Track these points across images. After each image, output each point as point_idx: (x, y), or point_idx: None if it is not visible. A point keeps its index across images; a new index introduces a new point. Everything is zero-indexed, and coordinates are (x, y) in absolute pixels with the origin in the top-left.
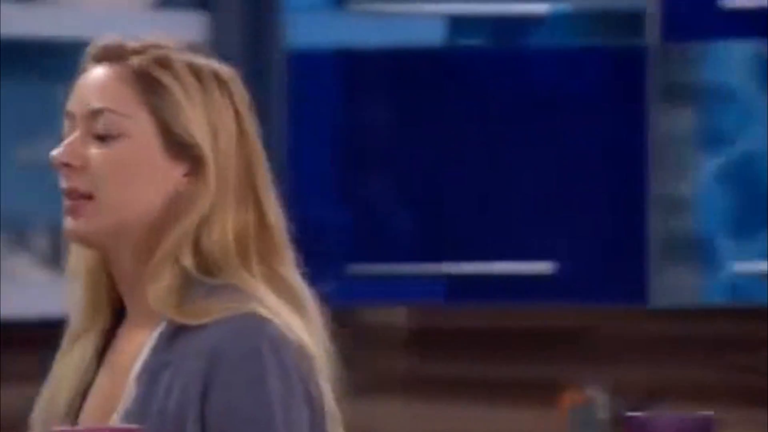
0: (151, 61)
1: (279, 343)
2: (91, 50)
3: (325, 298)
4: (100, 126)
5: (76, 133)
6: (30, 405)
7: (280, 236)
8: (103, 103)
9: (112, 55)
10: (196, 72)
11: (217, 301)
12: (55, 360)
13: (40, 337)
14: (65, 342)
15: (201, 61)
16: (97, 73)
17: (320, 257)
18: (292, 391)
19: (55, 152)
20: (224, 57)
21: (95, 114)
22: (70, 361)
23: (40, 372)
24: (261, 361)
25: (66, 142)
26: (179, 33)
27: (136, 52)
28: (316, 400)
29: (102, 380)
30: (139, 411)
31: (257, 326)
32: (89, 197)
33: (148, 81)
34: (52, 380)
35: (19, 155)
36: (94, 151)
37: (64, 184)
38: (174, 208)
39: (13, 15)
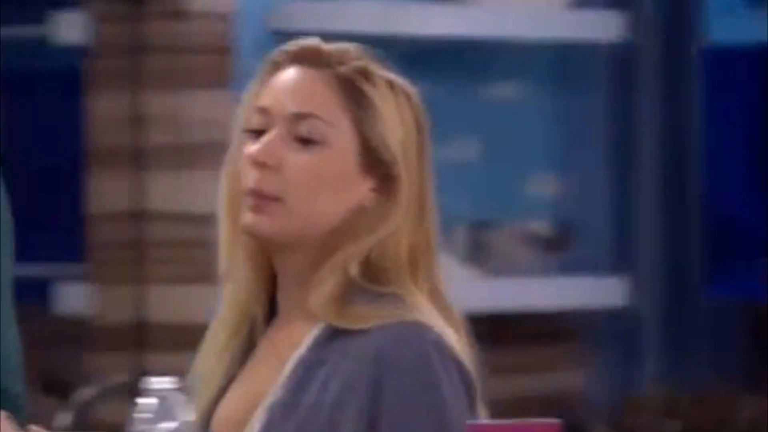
0: (355, 70)
1: (444, 351)
2: (288, 50)
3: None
4: (303, 130)
5: (274, 133)
6: None
7: (438, 254)
8: (311, 108)
9: (313, 58)
10: (391, 85)
11: (380, 308)
12: (205, 344)
13: None
14: (218, 329)
15: (392, 74)
16: (301, 75)
17: (735, 252)
18: (460, 398)
19: (253, 149)
20: (641, 53)
21: (300, 117)
22: (218, 348)
23: None
24: (432, 367)
25: (265, 140)
26: (597, 31)
27: (339, 60)
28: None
29: (248, 369)
30: (289, 402)
31: (422, 333)
32: (277, 199)
33: (353, 91)
34: (203, 366)
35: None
36: (293, 154)
37: (252, 183)
38: (355, 221)
39: (432, 15)
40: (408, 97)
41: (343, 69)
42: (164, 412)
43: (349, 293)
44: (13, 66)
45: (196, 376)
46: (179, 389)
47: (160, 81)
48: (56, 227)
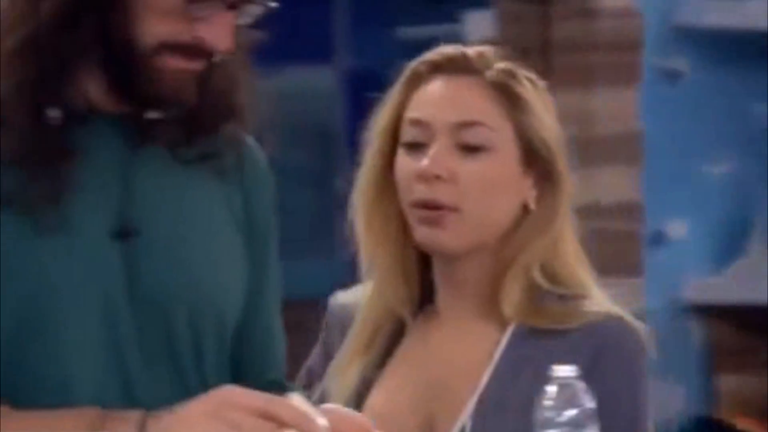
0: (503, 73)
1: (644, 351)
2: (432, 60)
3: None
4: (469, 138)
5: (440, 144)
6: None
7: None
8: (474, 116)
9: (459, 66)
10: (533, 84)
11: (579, 307)
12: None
13: None
14: (362, 327)
15: (526, 71)
16: (454, 83)
17: None
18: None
19: (425, 164)
20: None
21: (464, 126)
22: (361, 345)
23: None
24: (640, 363)
25: (433, 153)
26: None
27: (485, 64)
28: None
29: (404, 364)
30: (500, 398)
31: (630, 330)
32: (455, 210)
33: (508, 94)
34: (344, 360)
35: None
36: (464, 164)
37: (427, 195)
38: (523, 222)
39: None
40: (546, 93)
41: (491, 73)
42: (567, 400)
43: (536, 296)
44: None
45: (335, 369)
46: (579, 377)
47: (567, 77)
48: None
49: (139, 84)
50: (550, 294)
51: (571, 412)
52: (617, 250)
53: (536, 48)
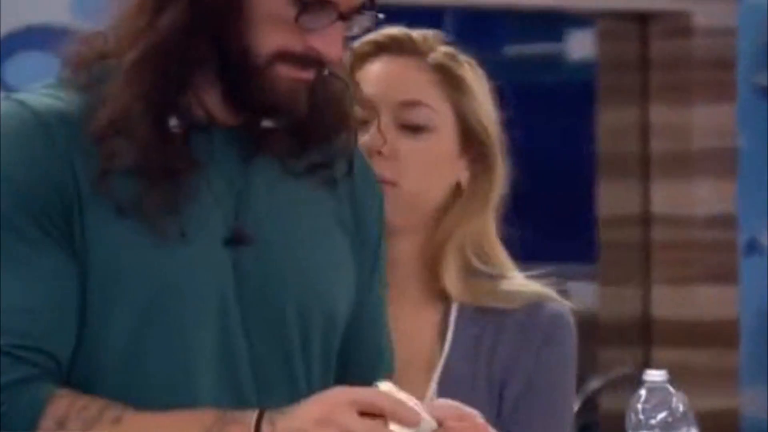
0: (445, 56)
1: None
2: (376, 40)
3: None
4: (412, 117)
5: (383, 122)
6: None
7: None
8: (417, 96)
9: (403, 47)
10: (473, 67)
11: (520, 287)
12: None
13: None
14: None
15: (465, 55)
16: (399, 64)
17: None
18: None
19: (367, 139)
20: None
21: (408, 105)
22: None
23: None
24: (574, 342)
25: (375, 130)
26: None
27: (429, 46)
28: None
29: None
30: (458, 378)
31: (566, 310)
32: (394, 185)
33: (450, 76)
34: None
35: None
36: (405, 141)
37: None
38: (455, 201)
39: None
40: (483, 75)
41: (435, 55)
42: (657, 403)
43: (472, 275)
44: (532, 79)
45: None
46: (670, 381)
47: (665, 94)
48: (570, 230)
49: (254, 93)
50: (482, 273)
51: (661, 415)
52: (714, 259)
53: (635, 65)
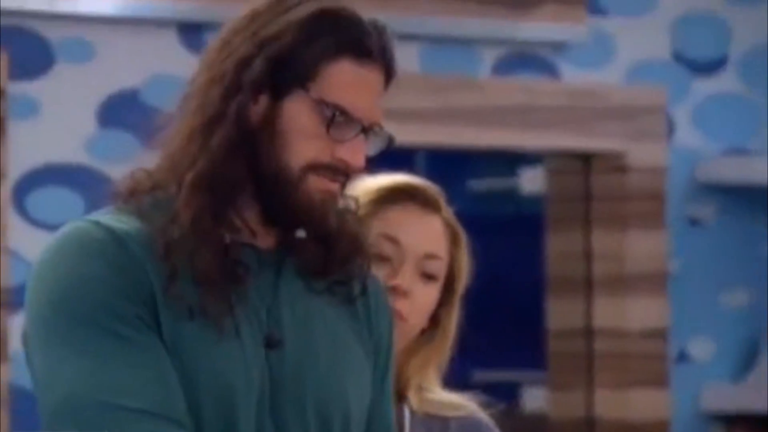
0: (449, 213)
1: None
2: (401, 188)
3: None
4: (431, 268)
5: (408, 266)
6: None
7: None
8: (438, 251)
9: (428, 200)
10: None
11: (452, 400)
12: None
13: None
14: None
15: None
16: (426, 218)
17: None
18: None
19: (398, 281)
20: None
21: (430, 258)
22: None
23: None
24: None
25: (403, 272)
26: None
27: (442, 204)
28: None
29: None
30: None
31: (491, 424)
32: (405, 320)
33: (453, 233)
34: None
35: None
36: (420, 287)
37: (394, 304)
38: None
39: None
40: None
41: (445, 214)
42: None
43: (425, 388)
44: (491, 210)
45: None
46: None
47: (604, 223)
48: (524, 341)
49: (288, 205)
50: (427, 387)
51: None
52: (648, 367)
53: (579, 197)
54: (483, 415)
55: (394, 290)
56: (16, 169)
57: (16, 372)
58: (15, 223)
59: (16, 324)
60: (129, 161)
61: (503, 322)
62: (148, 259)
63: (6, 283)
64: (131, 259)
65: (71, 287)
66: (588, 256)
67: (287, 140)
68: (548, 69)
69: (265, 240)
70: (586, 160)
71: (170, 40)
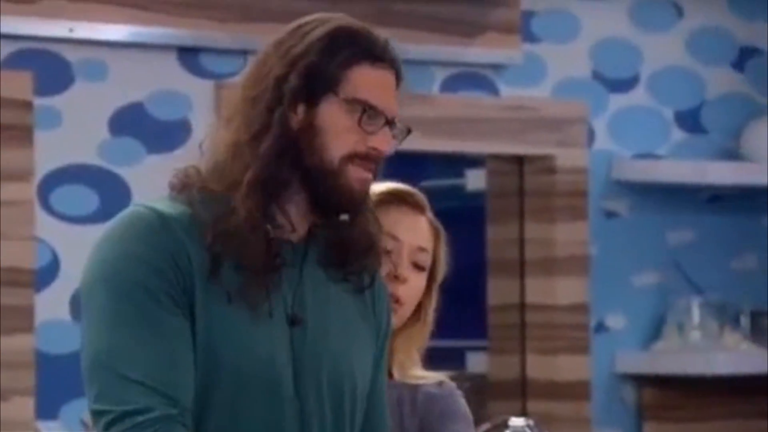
0: (431, 213)
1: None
2: (394, 192)
3: None
4: (421, 260)
5: (405, 259)
6: None
7: None
8: (428, 246)
9: (417, 203)
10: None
11: (424, 373)
12: None
13: None
14: None
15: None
16: (418, 217)
17: None
18: None
19: (401, 272)
20: None
21: (421, 250)
22: None
23: None
24: (463, 402)
25: (401, 262)
26: None
27: (426, 206)
28: None
29: None
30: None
31: (457, 389)
32: (401, 304)
33: (436, 230)
34: None
35: None
36: (413, 275)
37: (395, 291)
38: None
39: None
40: None
41: (429, 215)
42: None
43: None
44: (441, 204)
45: None
46: (530, 426)
47: (536, 215)
48: (469, 315)
49: (332, 193)
50: (410, 365)
51: None
52: (572, 336)
53: (514, 194)
54: (452, 384)
55: (396, 278)
56: (41, 170)
57: (42, 341)
58: (40, 216)
59: (41, 300)
60: (135, 163)
61: (451, 298)
62: (191, 244)
63: (33, 266)
64: (175, 242)
65: (115, 264)
66: (522, 242)
67: (326, 138)
68: (489, 87)
69: (298, 233)
70: (520, 162)
71: (171, 62)
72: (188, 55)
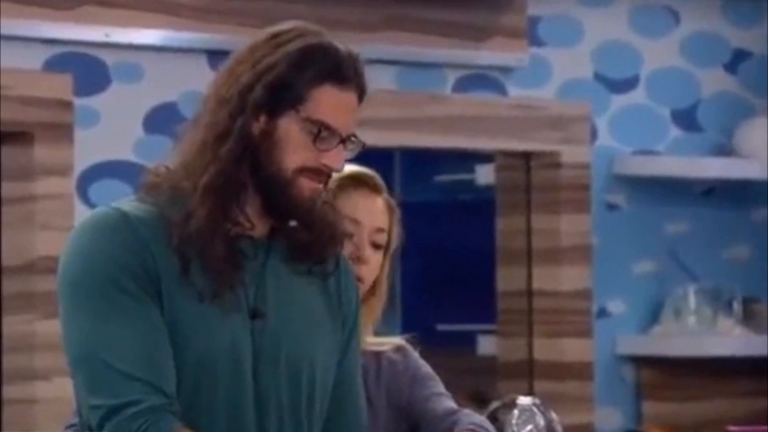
0: (387, 194)
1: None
2: (353, 176)
3: None
4: (379, 239)
5: (364, 239)
6: None
7: None
8: (383, 225)
9: (376, 186)
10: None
11: (382, 339)
12: None
13: None
14: None
15: None
16: (374, 200)
17: None
18: None
19: (362, 253)
20: None
21: (379, 231)
22: None
23: None
24: (418, 358)
25: (361, 243)
26: None
27: (382, 187)
28: None
29: None
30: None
31: (408, 346)
32: (362, 282)
33: (390, 208)
34: None
35: None
36: (372, 254)
37: (358, 271)
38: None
39: None
40: None
41: (385, 195)
42: (525, 420)
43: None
44: (454, 198)
45: None
46: (537, 404)
47: (542, 208)
48: (480, 300)
49: (284, 200)
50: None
51: (528, 428)
52: (576, 320)
53: (522, 188)
54: (408, 348)
55: (359, 260)
56: (80, 166)
57: None
58: (79, 208)
59: None
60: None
61: (462, 285)
62: (156, 244)
63: None
64: (139, 241)
65: (85, 262)
66: (529, 233)
67: (282, 150)
68: (498, 87)
69: (259, 230)
70: (527, 158)
71: (201, 64)
72: (217, 58)
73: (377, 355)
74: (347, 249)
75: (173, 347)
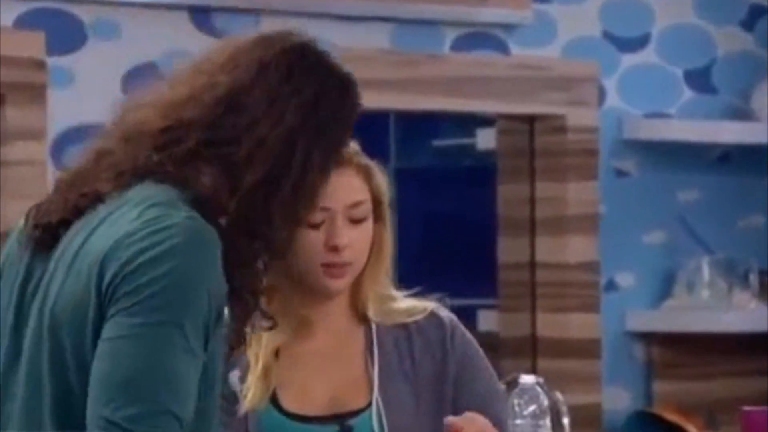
0: (359, 156)
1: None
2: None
3: None
4: (358, 214)
5: (339, 222)
6: None
7: None
8: (359, 197)
9: (342, 160)
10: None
11: (409, 306)
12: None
13: None
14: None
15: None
16: (343, 174)
17: None
18: None
19: (339, 240)
20: None
21: (354, 206)
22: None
23: None
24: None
25: (338, 230)
26: None
27: (352, 153)
28: None
29: (305, 373)
30: (391, 377)
31: (450, 316)
32: (351, 264)
33: (366, 169)
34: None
35: None
36: (355, 232)
37: (336, 258)
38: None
39: None
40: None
41: (357, 159)
42: (529, 399)
43: (382, 299)
44: (453, 163)
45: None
46: (540, 384)
47: (546, 174)
48: (480, 273)
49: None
50: (386, 296)
51: (531, 407)
52: (582, 294)
53: (525, 153)
54: (442, 312)
55: (335, 249)
56: (53, 129)
57: None
58: (53, 175)
59: None
60: None
61: (462, 257)
62: None
63: None
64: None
65: (198, 295)
66: (532, 201)
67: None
68: (500, 46)
69: None
70: (531, 122)
71: (183, 21)
72: (200, 15)
73: (406, 327)
74: (320, 238)
75: (211, 387)
